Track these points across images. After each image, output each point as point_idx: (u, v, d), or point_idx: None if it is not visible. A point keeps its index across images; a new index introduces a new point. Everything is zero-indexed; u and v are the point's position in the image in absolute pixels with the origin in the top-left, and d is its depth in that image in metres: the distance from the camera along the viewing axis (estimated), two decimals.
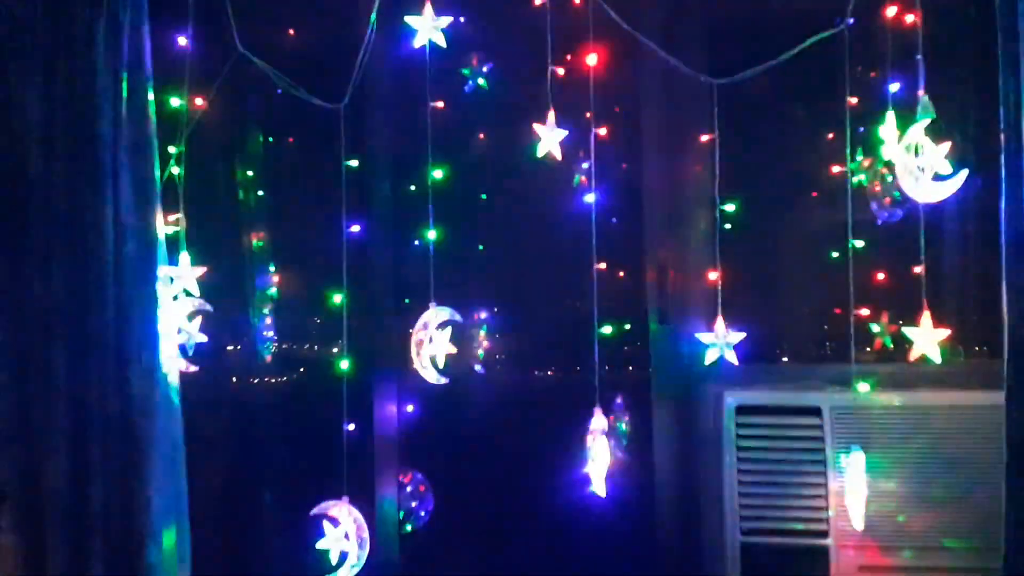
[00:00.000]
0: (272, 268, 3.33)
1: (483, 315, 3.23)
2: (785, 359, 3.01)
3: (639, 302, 2.93)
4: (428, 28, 2.32)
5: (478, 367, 3.22)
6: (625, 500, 2.68)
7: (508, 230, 3.28)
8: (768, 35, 2.44)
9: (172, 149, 2.51)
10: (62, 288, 2.38)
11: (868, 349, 2.66)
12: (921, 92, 2.08)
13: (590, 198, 2.37)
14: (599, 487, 2.27)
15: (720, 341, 2.28)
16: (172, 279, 2.46)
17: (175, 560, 2.42)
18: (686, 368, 2.80)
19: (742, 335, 2.27)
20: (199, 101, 2.57)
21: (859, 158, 2.62)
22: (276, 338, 3.34)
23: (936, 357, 2.13)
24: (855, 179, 2.61)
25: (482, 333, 3.21)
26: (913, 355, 2.15)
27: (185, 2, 2.51)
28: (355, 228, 2.74)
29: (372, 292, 3.00)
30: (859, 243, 2.42)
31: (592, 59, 2.34)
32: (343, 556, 2.38)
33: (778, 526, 2.47)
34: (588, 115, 2.35)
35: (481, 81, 2.73)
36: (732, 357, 2.27)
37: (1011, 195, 2.08)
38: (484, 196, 3.29)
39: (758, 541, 2.48)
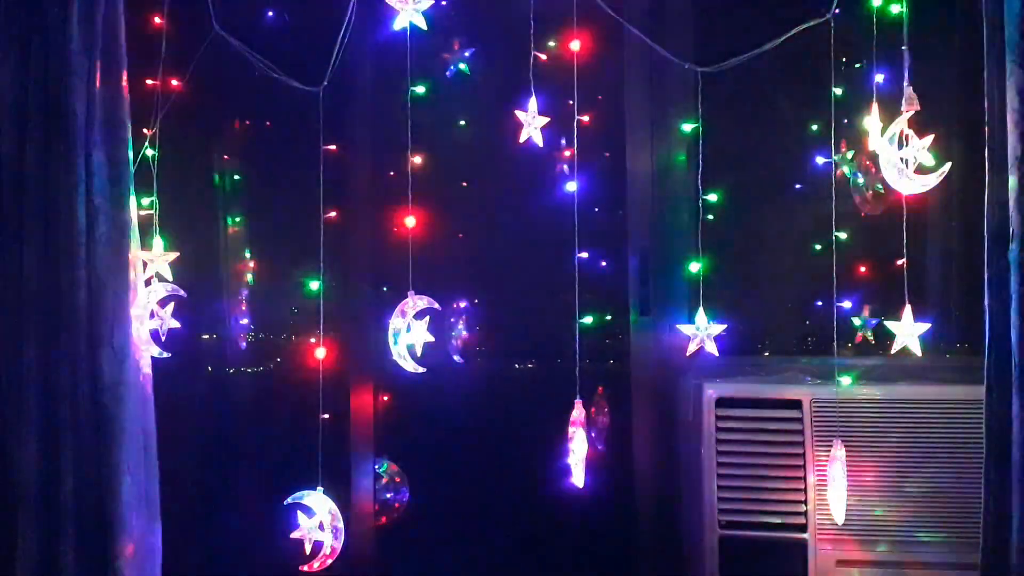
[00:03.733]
0: (248, 254, 3.30)
1: (462, 304, 3.22)
2: (766, 352, 3.01)
3: (621, 293, 2.92)
4: (409, 10, 2.29)
5: (457, 357, 3.21)
6: (604, 492, 2.68)
7: (488, 218, 3.26)
8: (753, 24, 2.44)
9: (146, 131, 2.48)
10: (32, 270, 2.35)
11: (850, 345, 2.66)
12: (906, 84, 2.08)
13: (572, 186, 2.36)
14: (578, 478, 2.26)
15: (701, 333, 2.27)
16: (145, 263, 2.43)
17: (146, 548, 2.39)
18: (667, 360, 2.80)
19: (723, 327, 2.26)
20: (174, 82, 2.55)
21: (844, 150, 2.63)
22: (251, 326, 3.32)
23: (917, 351, 2.13)
24: (839, 171, 2.61)
25: (461, 322, 3.19)
26: (894, 349, 2.15)
27: None
28: (332, 214, 2.72)
29: (349, 280, 2.97)
30: (842, 235, 2.41)
31: (576, 45, 2.32)
32: (317, 546, 2.36)
33: (757, 519, 2.47)
34: (571, 102, 2.33)
35: (463, 66, 2.70)
36: (713, 349, 2.26)
37: (994, 189, 2.07)
38: (464, 183, 3.27)
39: (736, 534, 2.48)
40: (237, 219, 3.29)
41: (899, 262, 2.18)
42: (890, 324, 2.16)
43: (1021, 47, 2.01)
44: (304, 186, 2.57)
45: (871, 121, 2.13)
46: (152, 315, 2.44)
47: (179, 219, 2.61)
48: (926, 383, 2.41)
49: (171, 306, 2.46)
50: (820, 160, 2.66)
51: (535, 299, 3.21)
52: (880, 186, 2.58)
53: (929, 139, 2.06)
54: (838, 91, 2.32)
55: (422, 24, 2.30)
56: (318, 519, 2.36)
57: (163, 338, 2.45)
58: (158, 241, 2.46)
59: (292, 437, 3.03)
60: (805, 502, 2.43)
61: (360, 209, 2.99)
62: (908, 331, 2.14)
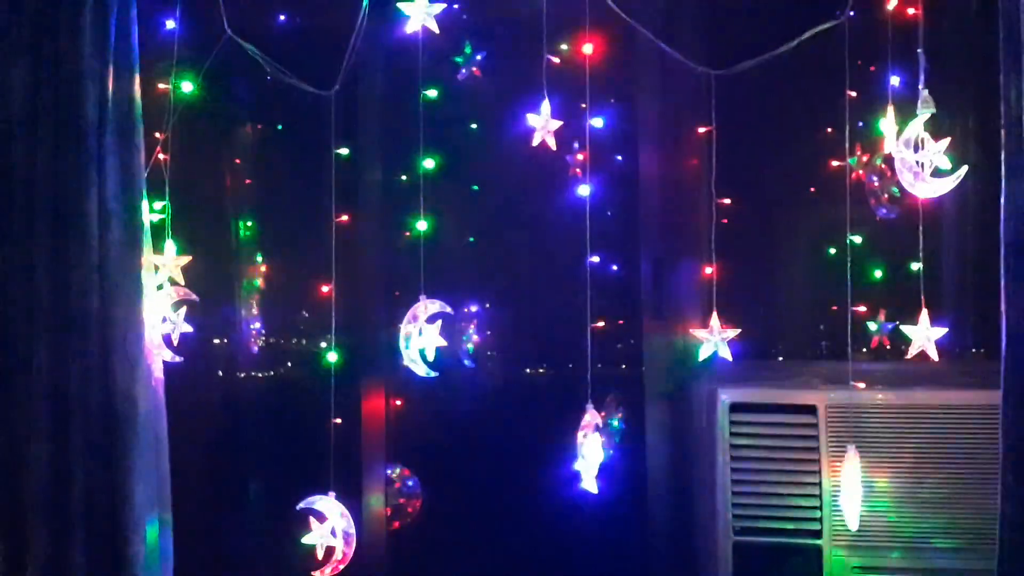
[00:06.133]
0: (259, 258, 3.30)
1: (474, 309, 3.21)
2: (781, 357, 2.99)
3: (633, 297, 2.91)
4: (421, 14, 2.28)
5: (468, 361, 3.20)
6: (617, 497, 2.66)
7: (500, 222, 3.26)
8: (767, 26, 2.42)
9: (159, 134, 2.47)
10: (45, 275, 2.35)
11: (864, 350, 2.64)
12: (921, 87, 2.06)
13: (584, 190, 2.35)
14: (590, 484, 2.25)
15: (715, 337, 2.25)
16: (157, 268, 2.42)
17: (157, 553, 2.38)
18: (680, 364, 2.78)
19: (737, 331, 2.25)
20: (187, 86, 2.54)
21: (858, 153, 2.61)
22: (262, 330, 3.32)
23: (934, 355, 2.11)
24: (854, 174, 2.60)
25: (472, 327, 3.19)
26: (910, 353, 2.13)
27: None
28: (344, 218, 2.71)
29: (361, 284, 2.97)
30: (857, 239, 2.39)
31: (588, 48, 2.31)
32: (329, 551, 2.35)
33: (771, 525, 2.45)
34: (583, 105, 2.32)
35: (475, 70, 2.70)
36: (726, 353, 2.25)
37: (1011, 192, 2.05)
38: (476, 187, 3.27)
39: (751, 540, 2.46)
40: (249, 223, 3.29)
41: (915, 266, 2.16)
42: (906, 328, 2.14)
43: None
44: (316, 190, 2.57)
45: (887, 124, 2.11)
46: (164, 319, 2.43)
47: (191, 223, 2.60)
48: (942, 388, 2.39)
49: (183, 310, 2.45)
50: (835, 163, 2.65)
51: (547, 303, 3.21)
52: (896, 190, 2.57)
53: (945, 142, 2.04)
54: (853, 94, 2.30)
55: (434, 28, 2.29)
56: (330, 524, 2.35)
57: (175, 342, 2.45)
58: (170, 245, 2.45)
59: (303, 442, 3.03)
60: (820, 508, 2.41)
61: (371, 213, 2.99)
62: (924, 335, 2.12)
